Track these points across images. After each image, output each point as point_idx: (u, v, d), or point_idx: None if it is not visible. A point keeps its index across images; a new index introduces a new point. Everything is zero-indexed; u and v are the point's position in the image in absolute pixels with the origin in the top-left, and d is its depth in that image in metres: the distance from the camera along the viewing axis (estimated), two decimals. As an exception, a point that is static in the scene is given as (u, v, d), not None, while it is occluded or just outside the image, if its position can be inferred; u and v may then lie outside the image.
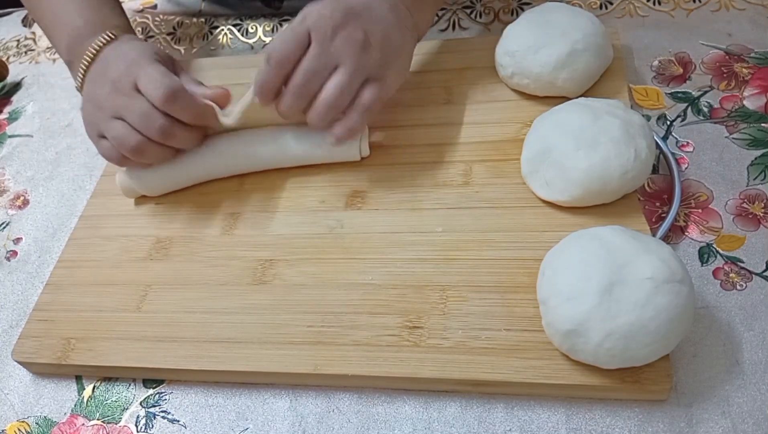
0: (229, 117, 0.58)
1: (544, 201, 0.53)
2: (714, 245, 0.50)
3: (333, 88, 0.52)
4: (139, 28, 0.85)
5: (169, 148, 0.57)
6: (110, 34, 0.60)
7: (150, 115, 0.54)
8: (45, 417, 0.53)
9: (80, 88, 0.62)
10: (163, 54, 0.61)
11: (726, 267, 0.49)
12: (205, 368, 0.50)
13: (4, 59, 0.85)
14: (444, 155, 0.58)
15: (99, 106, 0.57)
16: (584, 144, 0.50)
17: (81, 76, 0.61)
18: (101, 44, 0.60)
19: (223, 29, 0.81)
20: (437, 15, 0.74)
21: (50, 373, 0.56)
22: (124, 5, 0.88)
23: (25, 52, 0.89)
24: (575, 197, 0.50)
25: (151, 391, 0.53)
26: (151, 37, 0.83)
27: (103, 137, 0.57)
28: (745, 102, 0.57)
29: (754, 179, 0.53)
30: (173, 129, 0.55)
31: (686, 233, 0.51)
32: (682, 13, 0.66)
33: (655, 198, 0.53)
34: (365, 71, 0.53)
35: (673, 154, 0.54)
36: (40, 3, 0.66)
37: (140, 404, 0.52)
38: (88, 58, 0.60)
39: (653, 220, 0.52)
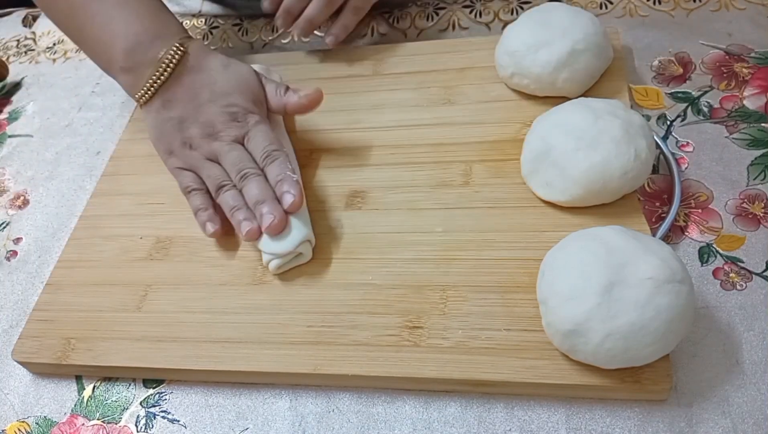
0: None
1: (544, 201, 0.53)
2: (714, 245, 0.50)
3: None
4: (139, 28, 0.85)
5: None
6: (180, 48, 0.58)
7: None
8: (45, 417, 0.53)
9: (143, 102, 0.60)
10: (258, 83, 0.60)
11: (726, 267, 0.49)
12: (205, 368, 0.50)
13: (4, 59, 0.85)
14: (444, 155, 0.58)
15: (187, 141, 0.58)
16: (584, 144, 0.50)
17: (150, 90, 0.59)
18: (174, 60, 0.58)
19: (223, 29, 0.81)
20: (437, 14, 0.74)
21: (50, 373, 0.56)
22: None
23: (25, 52, 0.89)
24: (575, 197, 0.50)
25: (151, 391, 0.53)
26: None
27: (185, 169, 0.58)
28: (745, 102, 0.57)
29: (754, 179, 0.53)
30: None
31: (686, 233, 0.51)
32: (682, 13, 0.66)
33: (655, 198, 0.53)
34: None
35: (673, 154, 0.54)
36: (79, 13, 0.62)
37: (140, 404, 0.52)
38: (161, 75, 0.58)
39: (653, 220, 0.52)
